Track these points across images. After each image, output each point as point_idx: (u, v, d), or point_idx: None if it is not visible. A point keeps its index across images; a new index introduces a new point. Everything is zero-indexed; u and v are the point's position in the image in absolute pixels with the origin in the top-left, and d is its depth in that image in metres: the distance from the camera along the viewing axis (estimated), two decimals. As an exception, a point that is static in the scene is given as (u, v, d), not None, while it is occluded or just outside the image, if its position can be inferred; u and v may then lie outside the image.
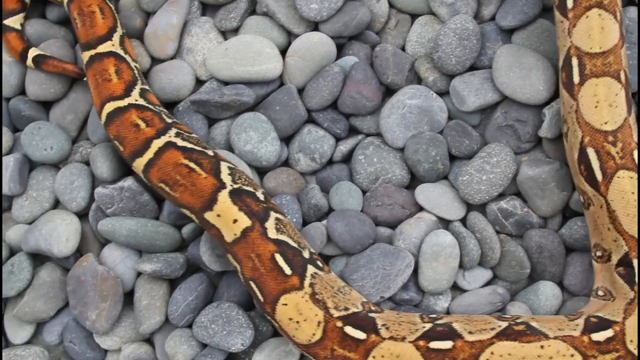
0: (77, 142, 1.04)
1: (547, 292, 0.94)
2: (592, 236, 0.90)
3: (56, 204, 1.02)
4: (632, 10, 0.95)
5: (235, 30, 1.03)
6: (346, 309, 0.84)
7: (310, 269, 0.85)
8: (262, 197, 0.88)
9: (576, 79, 0.86)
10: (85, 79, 0.98)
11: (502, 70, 0.95)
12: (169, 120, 0.92)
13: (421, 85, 0.99)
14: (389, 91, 1.01)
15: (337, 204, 0.97)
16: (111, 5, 0.99)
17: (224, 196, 0.86)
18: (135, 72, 0.96)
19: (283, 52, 1.01)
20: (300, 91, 1.00)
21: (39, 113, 1.03)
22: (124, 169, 0.99)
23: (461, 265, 0.94)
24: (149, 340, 0.99)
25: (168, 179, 0.88)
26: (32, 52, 1.01)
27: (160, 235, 0.96)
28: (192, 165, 0.88)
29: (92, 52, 0.95)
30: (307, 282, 0.84)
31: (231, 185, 0.87)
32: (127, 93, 0.93)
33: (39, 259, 1.02)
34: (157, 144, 0.89)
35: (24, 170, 1.01)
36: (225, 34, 1.04)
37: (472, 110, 0.97)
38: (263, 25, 1.02)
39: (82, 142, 1.03)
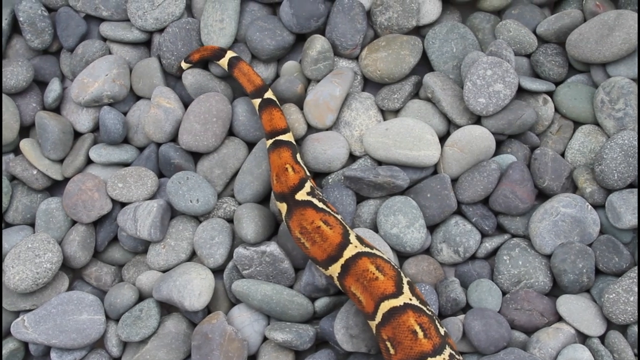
0: (221, 197, 1.04)
1: None
2: None
3: (192, 256, 1.02)
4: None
5: (396, 111, 1.03)
6: None
7: None
8: None
9: None
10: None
11: (663, 193, 0.94)
12: (442, 332, 0.84)
13: (576, 194, 0.98)
14: (541, 194, 1.00)
15: (475, 301, 0.96)
16: (335, 214, 0.92)
17: None
18: (395, 268, 0.89)
19: (440, 139, 1.00)
20: (453, 181, 1.00)
21: (187, 163, 1.03)
22: (267, 233, 0.98)
23: (593, 383, 0.93)
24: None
25: None
26: (229, 54, 1.03)
27: (294, 305, 0.95)
28: None
29: (342, 261, 0.88)
30: None
31: None
32: (399, 291, 0.85)
33: (164, 307, 1.02)
34: None
35: (165, 218, 1.01)
36: (384, 112, 1.04)
37: (627, 228, 0.95)
38: (425, 110, 1.02)
39: (226, 198, 1.03)
